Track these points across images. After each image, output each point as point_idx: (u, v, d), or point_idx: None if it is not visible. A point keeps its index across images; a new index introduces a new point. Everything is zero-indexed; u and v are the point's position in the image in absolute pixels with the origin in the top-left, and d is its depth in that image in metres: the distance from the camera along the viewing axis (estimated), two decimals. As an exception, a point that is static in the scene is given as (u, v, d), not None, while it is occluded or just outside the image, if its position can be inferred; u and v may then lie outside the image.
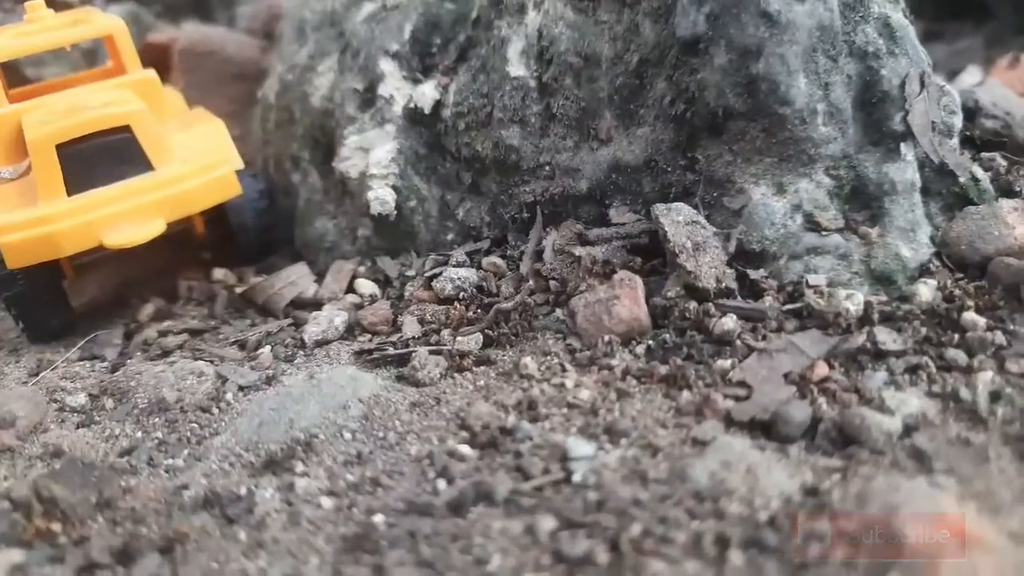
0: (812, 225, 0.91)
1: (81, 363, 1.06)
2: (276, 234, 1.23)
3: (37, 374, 1.04)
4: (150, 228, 1.03)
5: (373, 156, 1.08)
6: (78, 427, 0.92)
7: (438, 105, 1.07)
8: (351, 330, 1.04)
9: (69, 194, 1.02)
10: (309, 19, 1.26)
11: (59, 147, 1.00)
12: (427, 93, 1.07)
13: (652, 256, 0.96)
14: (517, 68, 1.01)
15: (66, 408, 0.96)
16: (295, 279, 1.11)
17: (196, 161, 1.07)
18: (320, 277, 1.14)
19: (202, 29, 1.72)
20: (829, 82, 0.90)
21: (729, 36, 0.89)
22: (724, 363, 0.82)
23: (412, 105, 1.07)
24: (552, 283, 0.98)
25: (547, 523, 0.65)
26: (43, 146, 1.00)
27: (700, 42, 0.91)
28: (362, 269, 1.13)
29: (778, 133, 0.91)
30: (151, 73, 1.16)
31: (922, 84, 0.94)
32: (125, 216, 1.03)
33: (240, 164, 1.12)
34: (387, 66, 1.09)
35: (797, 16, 0.88)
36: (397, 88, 1.09)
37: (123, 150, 1.03)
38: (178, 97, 1.30)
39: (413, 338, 0.98)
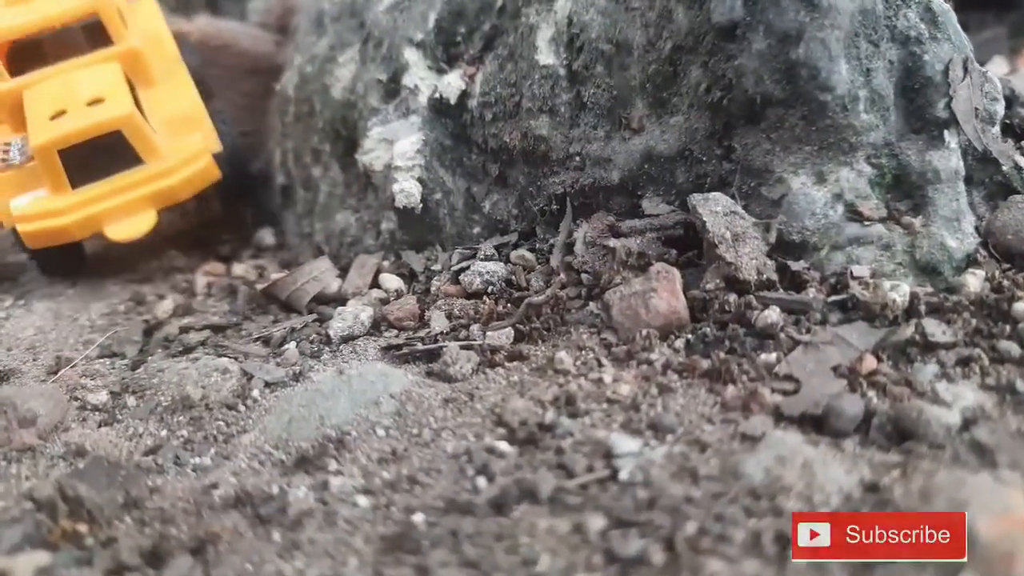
0: (854, 215, 0.89)
1: (101, 360, 1.04)
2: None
3: (56, 372, 1.02)
4: (145, 221, 1.19)
5: (398, 148, 1.06)
6: (100, 425, 0.90)
7: (464, 95, 1.05)
8: (377, 325, 1.01)
9: (73, 187, 1.16)
10: (328, 10, 1.24)
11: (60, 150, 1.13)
12: (453, 83, 1.04)
13: (687, 248, 0.93)
14: (546, 56, 0.99)
15: (87, 406, 0.93)
16: (318, 274, 1.08)
17: (180, 153, 1.19)
18: (343, 272, 1.11)
19: (216, 23, 1.70)
20: (871, 68, 0.88)
21: (768, 21, 0.87)
22: (768, 357, 0.80)
23: (437, 96, 1.05)
24: (584, 276, 0.95)
25: (596, 522, 0.63)
26: (46, 151, 1.13)
27: (737, 27, 0.89)
28: (386, 263, 1.11)
29: (818, 121, 0.88)
30: (137, 42, 1.26)
31: (965, 70, 0.91)
32: (123, 209, 1.18)
33: (218, 147, 1.24)
34: (412, 56, 1.07)
35: (838, 0, 0.85)
36: (422, 78, 1.06)
37: (116, 146, 1.15)
38: (166, 45, 1.35)
39: (441, 333, 0.96)
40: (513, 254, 1.02)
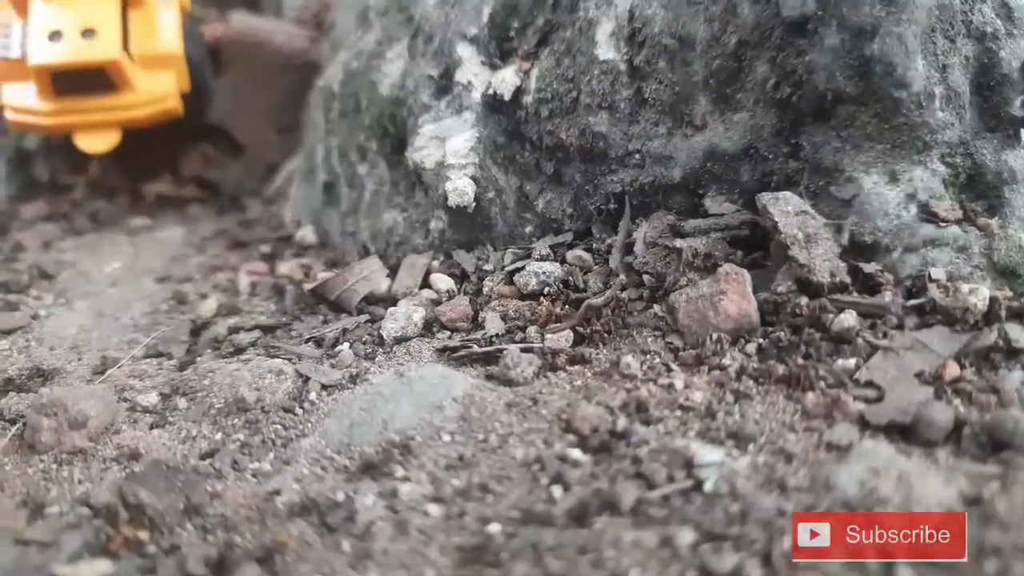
0: (928, 216, 0.86)
1: (147, 360, 1.02)
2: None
3: (102, 372, 1.00)
4: (109, 139, 1.40)
5: (450, 145, 1.03)
6: (152, 428, 0.88)
7: (518, 91, 1.02)
8: (429, 326, 0.99)
9: (56, 95, 1.34)
10: (373, 4, 1.22)
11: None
12: (507, 79, 1.02)
13: (753, 248, 0.91)
14: (606, 51, 0.96)
15: (138, 408, 0.92)
16: (368, 274, 1.06)
17: (152, 90, 1.38)
18: (392, 272, 1.09)
19: (250, 20, 1.69)
20: (947, 64, 0.85)
21: (842, 15, 0.84)
22: (846, 362, 0.77)
23: (491, 92, 1.02)
24: (646, 277, 0.93)
25: (686, 535, 0.60)
26: (41, 71, 1.30)
27: (809, 22, 0.86)
28: (436, 263, 1.08)
29: (892, 118, 0.86)
30: None
31: (1043, 66, 0.88)
32: (93, 125, 1.38)
33: (187, 87, 1.44)
34: (465, 51, 1.04)
35: (917, -7, 0.83)
36: (475, 74, 1.04)
37: (98, 74, 1.32)
38: None
39: (497, 335, 0.93)
40: (569, 254, 1.00)
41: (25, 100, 1.36)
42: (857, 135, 0.87)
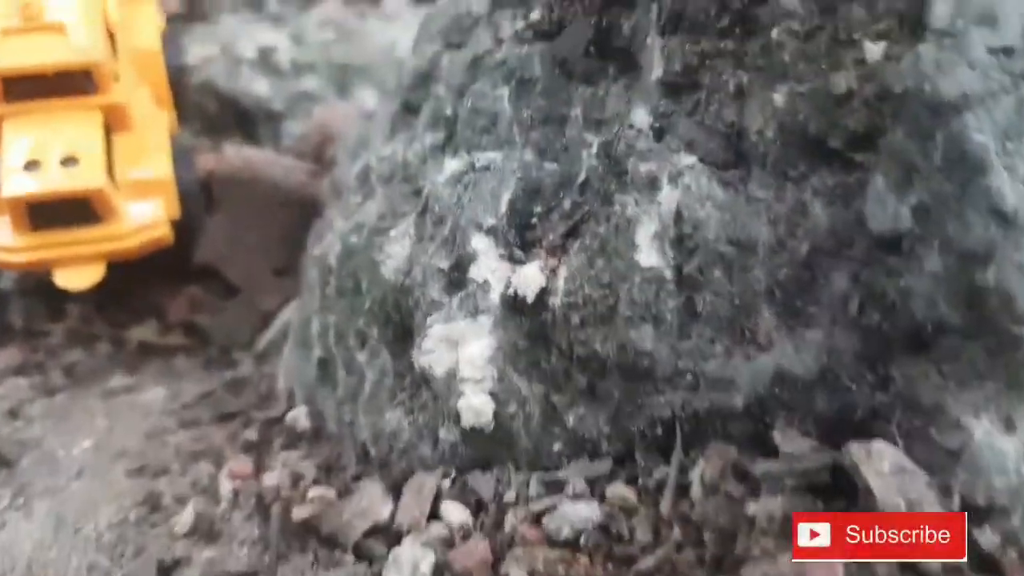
0: (1056, 473, 0.70)
1: (105, 612, 0.86)
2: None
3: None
4: (93, 274, 1.28)
5: (465, 353, 0.88)
6: None
7: (543, 291, 0.87)
8: (439, 573, 0.83)
9: (33, 228, 1.24)
10: (375, 167, 1.08)
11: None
12: (530, 278, 0.86)
13: (834, 495, 0.75)
14: (649, 256, 0.81)
15: None
16: (368, 505, 0.90)
17: (140, 218, 1.28)
18: (396, 490, 0.93)
19: (245, 152, 1.56)
20: (1075, 291, 0.70)
21: (946, 236, 0.69)
22: None
23: (512, 291, 0.87)
24: (707, 534, 0.76)
25: None
26: (15, 202, 1.21)
27: (903, 240, 0.71)
28: (446, 484, 0.92)
29: (1009, 356, 0.70)
30: (122, 97, 1.31)
31: None
32: (75, 260, 1.27)
33: (177, 213, 1.33)
34: (480, 244, 0.89)
35: (1039, 212, 0.68)
36: (493, 271, 0.89)
37: (80, 203, 1.23)
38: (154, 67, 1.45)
39: (524, 600, 0.77)
40: (609, 490, 0.83)
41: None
42: (963, 371, 0.72)
